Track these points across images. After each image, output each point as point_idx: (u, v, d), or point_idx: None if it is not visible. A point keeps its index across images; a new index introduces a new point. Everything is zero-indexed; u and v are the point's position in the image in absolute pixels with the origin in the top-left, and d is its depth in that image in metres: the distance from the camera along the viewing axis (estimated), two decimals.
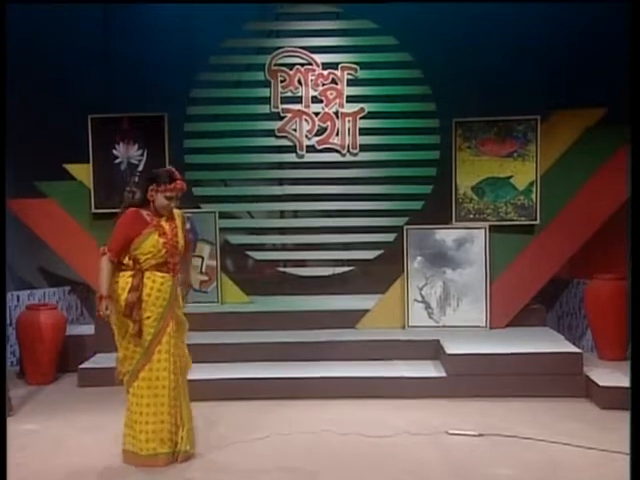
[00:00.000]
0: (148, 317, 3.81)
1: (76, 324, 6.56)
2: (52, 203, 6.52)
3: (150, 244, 3.81)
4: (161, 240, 3.82)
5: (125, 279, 3.84)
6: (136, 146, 6.62)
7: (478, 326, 6.22)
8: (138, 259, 3.83)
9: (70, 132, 6.42)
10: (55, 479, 3.87)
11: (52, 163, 6.35)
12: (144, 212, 3.88)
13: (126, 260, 3.86)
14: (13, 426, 4.71)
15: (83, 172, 6.56)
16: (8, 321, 6.13)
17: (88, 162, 6.54)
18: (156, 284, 3.83)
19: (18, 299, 6.33)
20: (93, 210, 6.54)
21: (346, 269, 6.97)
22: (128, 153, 6.62)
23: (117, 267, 3.85)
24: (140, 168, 6.48)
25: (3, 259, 4.68)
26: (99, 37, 7.04)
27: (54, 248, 6.58)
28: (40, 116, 6.41)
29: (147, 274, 3.83)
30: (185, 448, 3.90)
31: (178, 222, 3.98)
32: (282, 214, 7.25)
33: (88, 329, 6.06)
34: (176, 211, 4.00)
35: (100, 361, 5.78)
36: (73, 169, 6.58)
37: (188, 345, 4.08)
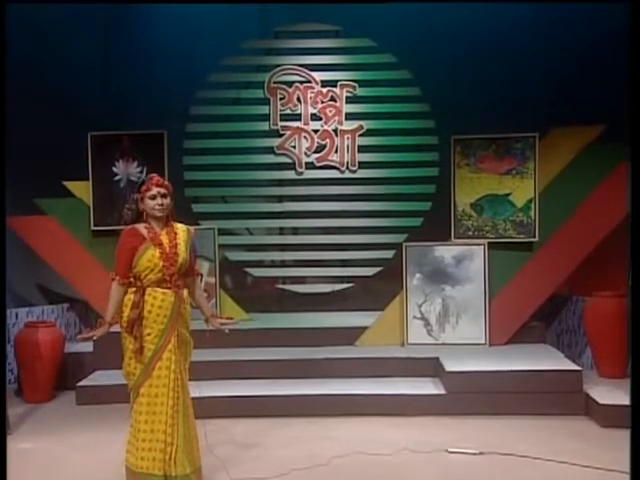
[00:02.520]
0: (149, 334, 3.76)
1: (74, 342, 6.53)
2: (51, 220, 6.52)
3: (146, 259, 3.76)
4: (157, 252, 3.76)
5: (128, 296, 3.80)
6: (136, 163, 6.63)
7: (477, 343, 6.21)
8: (139, 276, 3.80)
9: (70, 149, 6.43)
10: None
11: (52, 180, 6.35)
12: (142, 227, 3.84)
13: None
14: (11, 445, 4.67)
15: (83, 189, 6.57)
16: (7, 339, 6.10)
17: (88, 179, 6.56)
18: (157, 301, 3.77)
19: (17, 316, 6.30)
20: (92, 227, 6.54)
21: (345, 286, 6.96)
22: (128, 170, 6.63)
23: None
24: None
25: (3, 272, 4.67)
26: (99, 55, 7.06)
27: (53, 265, 6.57)
28: (40, 133, 6.41)
29: (148, 290, 3.78)
30: (181, 472, 3.76)
31: (181, 236, 3.89)
32: (281, 231, 7.24)
33: (86, 346, 5.99)
34: (181, 226, 3.96)
35: (99, 379, 5.77)
36: (73, 186, 6.59)
37: None
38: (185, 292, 3.91)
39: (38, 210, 6.52)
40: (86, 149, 6.52)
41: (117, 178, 6.63)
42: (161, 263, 3.76)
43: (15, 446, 4.65)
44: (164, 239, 3.82)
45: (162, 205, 3.81)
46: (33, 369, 5.80)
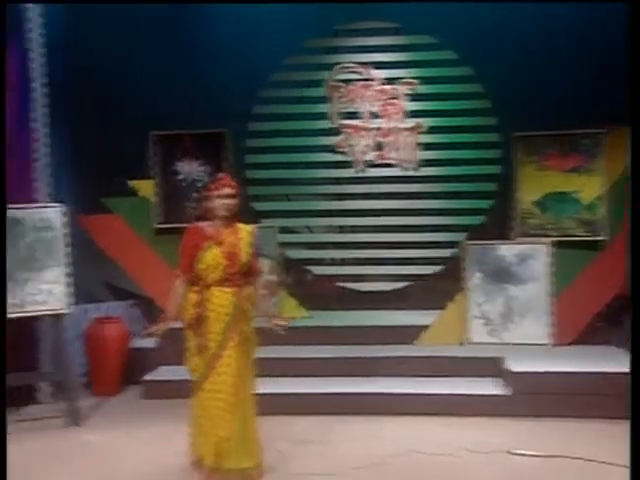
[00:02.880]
0: (211, 332, 3.86)
1: (139, 337, 6.64)
2: (117, 219, 6.67)
3: (210, 257, 3.85)
4: (219, 251, 3.85)
5: (191, 295, 3.91)
6: (198, 162, 6.74)
7: (541, 343, 6.10)
8: (201, 275, 3.89)
9: (135, 149, 6.57)
10: None
11: (118, 179, 6.50)
12: (205, 225, 3.95)
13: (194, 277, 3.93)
14: (79, 436, 4.88)
15: (146, 188, 6.71)
16: (76, 333, 6.27)
17: (151, 178, 6.70)
18: (218, 300, 3.86)
19: (86, 312, 6.44)
20: (156, 225, 6.67)
21: (405, 284, 6.93)
22: (190, 169, 6.74)
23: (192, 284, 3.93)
24: (201, 184, 6.58)
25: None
26: (162, 55, 7.15)
27: (118, 263, 6.71)
28: (106, 133, 6.55)
29: (210, 290, 3.87)
30: (236, 466, 3.87)
31: (243, 236, 3.97)
32: (341, 229, 7.26)
33: (150, 342, 6.16)
34: (244, 226, 4.03)
35: (163, 374, 5.89)
36: (137, 185, 6.73)
37: None
38: (247, 290, 3.98)
39: (105, 209, 6.68)
40: (150, 148, 6.65)
41: (180, 177, 6.75)
42: (223, 262, 3.85)
43: (85, 438, 4.83)
44: (227, 238, 3.90)
45: (229, 205, 3.90)
46: (101, 363, 5.98)
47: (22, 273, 5.18)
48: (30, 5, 5.73)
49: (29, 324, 5.59)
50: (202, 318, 3.84)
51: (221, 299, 3.86)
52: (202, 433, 3.90)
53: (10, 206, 5.24)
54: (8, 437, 4.77)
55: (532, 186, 6.27)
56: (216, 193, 3.91)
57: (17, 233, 5.21)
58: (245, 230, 4.02)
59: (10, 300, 5.10)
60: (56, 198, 5.72)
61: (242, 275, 3.93)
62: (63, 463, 4.36)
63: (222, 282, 3.87)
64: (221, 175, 4.05)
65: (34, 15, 5.76)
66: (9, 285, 5.07)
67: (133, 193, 6.74)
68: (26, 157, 5.67)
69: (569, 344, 6.13)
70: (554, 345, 6.11)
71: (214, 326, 3.85)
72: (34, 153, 5.75)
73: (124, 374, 6.11)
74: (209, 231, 3.92)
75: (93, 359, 6.06)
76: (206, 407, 3.87)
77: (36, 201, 5.63)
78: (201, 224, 3.97)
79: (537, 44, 6.59)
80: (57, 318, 5.31)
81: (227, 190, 3.91)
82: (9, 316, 5.13)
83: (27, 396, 5.63)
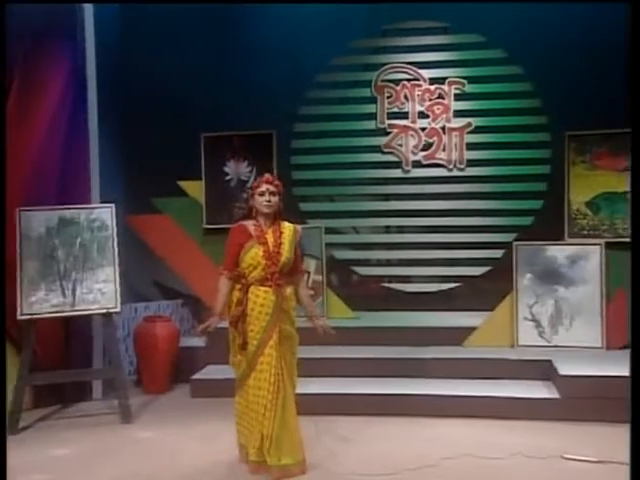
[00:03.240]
0: (252, 330, 3.92)
1: (187, 336, 6.72)
2: (167, 219, 6.74)
3: (250, 256, 3.90)
4: (261, 251, 3.89)
5: (234, 293, 3.97)
6: (245, 163, 6.78)
7: (593, 347, 5.97)
8: (243, 273, 3.94)
9: (184, 150, 6.64)
10: None
11: (168, 180, 6.58)
12: (250, 224, 3.99)
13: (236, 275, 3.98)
14: (130, 433, 4.96)
15: (195, 189, 6.77)
16: (127, 332, 6.39)
17: (200, 179, 6.75)
18: (259, 298, 3.91)
19: (135, 311, 6.57)
20: (204, 225, 6.72)
21: (452, 285, 6.88)
22: (238, 170, 6.79)
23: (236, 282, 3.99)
24: (249, 185, 6.61)
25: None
26: (211, 58, 7.22)
27: (168, 262, 6.79)
28: (157, 135, 6.64)
29: (251, 289, 3.92)
30: (275, 462, 3.89)
31: (287, 235, 4.00)
32: (387, 229, 7.24)
33: (199, 341, 6.22)
34: (288, 225, 4.06)
35: (211, 373, 5.93)
36: (186, 186, 6.79)
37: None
38: (289, 290, 4.02)
39: (155, 209, 6.76)
40: (199, 150, 6.71)
41: (228, 178, 6.80)
42: (263, 261, 3.89)
43: (134, 434, 4.91)
44: (269, 238, 3.94)
45: (270, 202, 3.95)
46: (151, 361, 6.05)
47: (76, 273, 5.29)
48: (85, 5, 5.82)
49: (82, 323, 5.70)
50: (243, 316, 3.91)
51: (261, 298, 3.91)
52: (245, 428, 4.00)
53: (65, 206, 5.38)
54: (64, 434, 4.95)
55: (583, 186, 6.15)
56: (258, 190, 3.96)
57: (72, 233, 5.33)
58: (289, 229, 4.05)
59: (62, 299, 5.22)
60: (107, 198, 5.83)
61: (284, 274, 3.97)
62: (114, 459, 4.44)
63: (263, 281, 3.92)
64: (266, 174, 4.09)
65: (88, 15, 5.85)
66: (63, 284, 5.21)
67: (183, 193, 6.81)
68: (83, 157, 5.77)
69: (622, 348, 5.99)
70: (608, 349, 5.97)
71: (255, 324, 3.91)
72: (88, 153, 5.86)
73: (173, 372, 6.18)
74: (253, 230, 3.96)
75: (143, 358, 6.15)
76: (248, 403, 3.96)
77: (90, 201, 5.74)
78: (246, 223, 4.02)
79: (586, 41, 6.45)
80: (108, 317, 5.40)
81: (268, 187, 3.95)
82: (61, 315, 5.26)
83: (80, 393, 5.74)
